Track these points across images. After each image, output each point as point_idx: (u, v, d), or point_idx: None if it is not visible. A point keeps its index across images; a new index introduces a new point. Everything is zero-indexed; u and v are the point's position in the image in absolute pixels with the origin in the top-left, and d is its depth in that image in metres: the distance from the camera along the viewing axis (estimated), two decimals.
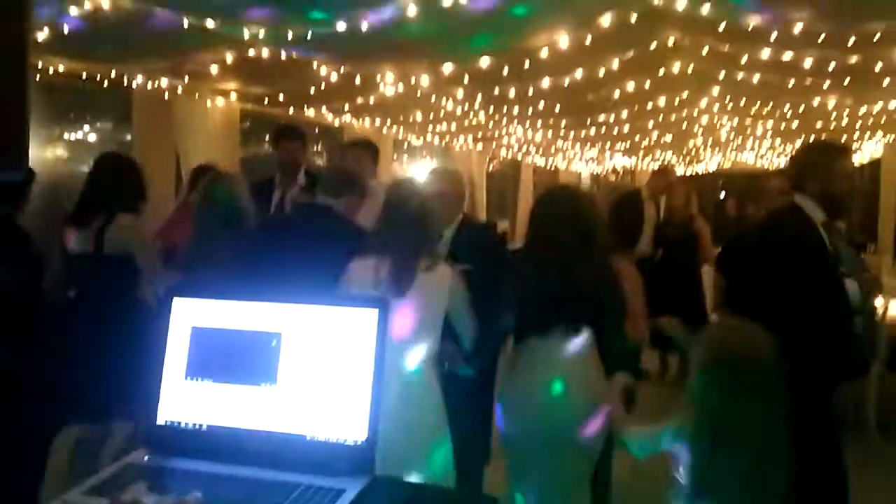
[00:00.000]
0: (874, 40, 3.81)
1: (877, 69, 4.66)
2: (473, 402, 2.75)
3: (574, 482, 2.51)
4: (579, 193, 2.80)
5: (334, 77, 5.27)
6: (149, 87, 5.65)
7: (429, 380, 2.47)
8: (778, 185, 3.47)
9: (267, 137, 9.58)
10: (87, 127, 7.03)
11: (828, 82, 5.37)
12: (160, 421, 1.48)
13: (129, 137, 6.43)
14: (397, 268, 2.40)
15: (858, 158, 11.50)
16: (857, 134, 8.50)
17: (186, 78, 5.25)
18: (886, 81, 5.24)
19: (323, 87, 5.50)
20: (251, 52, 4.60)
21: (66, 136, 6.83)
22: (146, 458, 1.42)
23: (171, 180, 6.44)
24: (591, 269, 2.43)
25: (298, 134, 4.28)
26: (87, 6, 3.62)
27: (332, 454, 1.39)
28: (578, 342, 2.43)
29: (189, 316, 1.51)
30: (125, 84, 5.67)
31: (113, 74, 5.37)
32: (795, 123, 7.93)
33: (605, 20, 4.12)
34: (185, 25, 3.60)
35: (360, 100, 6.47)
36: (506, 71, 4.75)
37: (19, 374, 2.73)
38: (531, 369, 2.50)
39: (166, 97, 6.00)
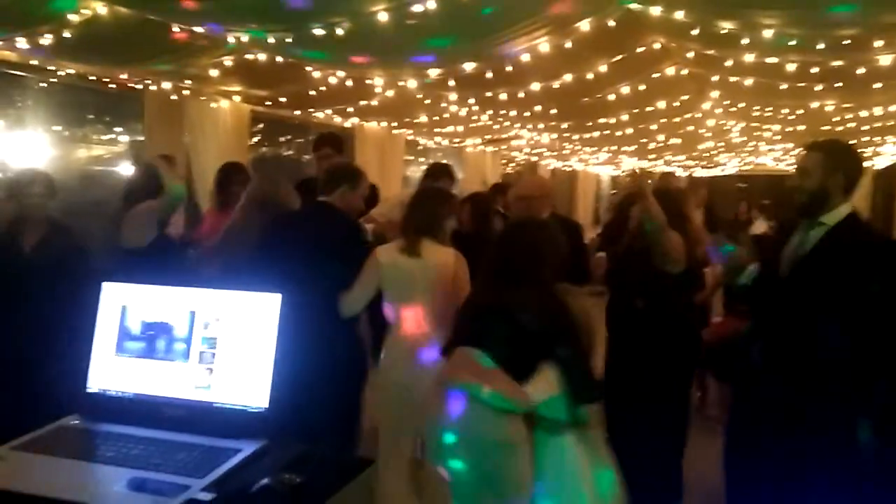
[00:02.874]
0: (844, 45, 3.87)
1: (860, 73, 4.68)
2: None
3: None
4: (540, 228, 2.67)
5: (332, 81, 5.47)
6: (154, 89, 5.90)
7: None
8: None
9: (283, 140, 9.89)
10: (100, 128, 7.33)
11: (820, 86, 5.40)
12: (92, 389, 1.66)
13: (141, 138, 6.72)
14: (411, 235, 2.98)
15: (877, 162, 11.39)
16: (866, 137, 8.44)
17: (188, 81, 5.49)
18: (878, 85, 5.25)
19: (322, 91, 5.70)
20: (249, 57, 4.82)
21: (81, 136, 7.13)
22: (75, 421, 1.60)
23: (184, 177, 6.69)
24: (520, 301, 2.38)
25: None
26: (87, 13, 3.85)
27: (237, 419, 1.57)
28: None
29: (119, 298, 1.69)
30: (137, 86, 5.96)
31: (123, 77, 5.65)
32: (802, 127, 7.92)
33: (584, 25, 4.23)
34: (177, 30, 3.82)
35: (362, 102, 6.67)
36: (490, 74, 4.88)
37: None
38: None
39: (176, 99, 6.27)
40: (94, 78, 5.65)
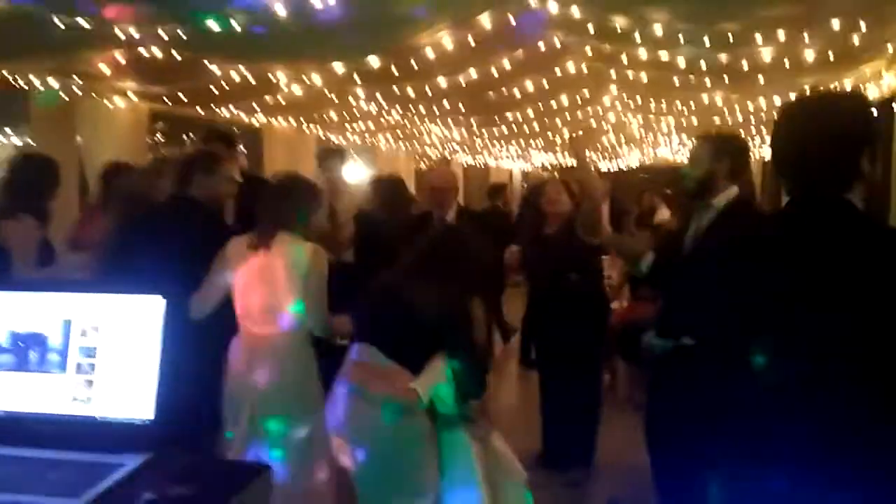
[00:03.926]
0: (729, 41, 4.08)
1: (745, 67, 4.95)
2: None
3: None
4: (474, 238, 2.69)
5: (234, 77, 5.30)
6: (43, 88, 5.55)
7: (297, 345, 2.70)
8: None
9: (187, 139, 9.51)
10: None
11: (708, 80, 5.67)
12: None
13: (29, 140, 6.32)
14: (262, 227, 2.76)
15: (764, 152, 12.06)
16: (753, 129, 8.93)
17: (77, 78, 5.19)
18: (761, 79, 5.55)
19: (223, 87, 5.51)
20: (142, 52, 4.59)
21: None
22: None
23: (74, 183, 6.33)
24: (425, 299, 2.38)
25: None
26: None
27: (119, 433, 1.49)
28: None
29: None
30: (23, 86, 5.58)
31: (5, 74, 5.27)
32: (695, 120, 8.30)
33: (485, 20, 4.27)
34: (61, 25, 3.59)
35: (267, 99, 6.50)
36: (394, 70, 4.86)
37: None
38: None
39: (66, 98, 5.91)
40: None
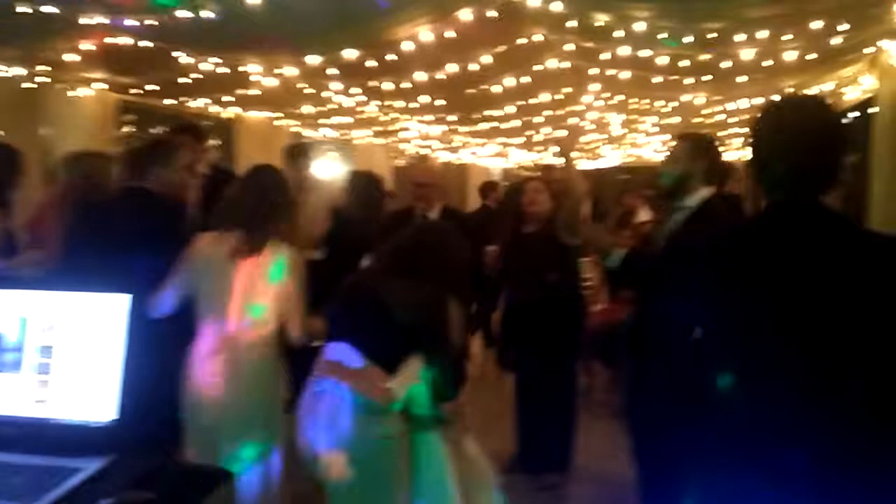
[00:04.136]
0: (709, 38, 4.06)
1: (725, 66, 4.94)
2: None
3: None
4: (452, 235, 2.58)
5: (204, 68, 5.17)
6: (6, 76, 5.39)
7: (271, 350, 2.63)
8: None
9: (157, 131, 9.30)
10: None
11: (690, 79, 5.65)
12: None
13: None
14: (250, 230, 2.60)
15: (746, 153, 12.13)
16: (734, 129, 8.95)
17: (43, 67, 5.03)
18: (743, 78, 5.55)
19: (195, 78, 5.38)
20: (108, 41, 4.46)
21: None
22: None
23: (40, 174, 6.17)
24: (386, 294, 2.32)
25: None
26: None
27: (78, 436, 1.41)
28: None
29: None
30: None
31: None
32: (676, 119, 8.31)
33: (465, 14, 4.20)
34: (17, 10, 3.45)
35: (239, 91, 6.37)
36: (371, 63, 4.77)
37: None
38: None
39: (31, 87, 5.75)
40: None
